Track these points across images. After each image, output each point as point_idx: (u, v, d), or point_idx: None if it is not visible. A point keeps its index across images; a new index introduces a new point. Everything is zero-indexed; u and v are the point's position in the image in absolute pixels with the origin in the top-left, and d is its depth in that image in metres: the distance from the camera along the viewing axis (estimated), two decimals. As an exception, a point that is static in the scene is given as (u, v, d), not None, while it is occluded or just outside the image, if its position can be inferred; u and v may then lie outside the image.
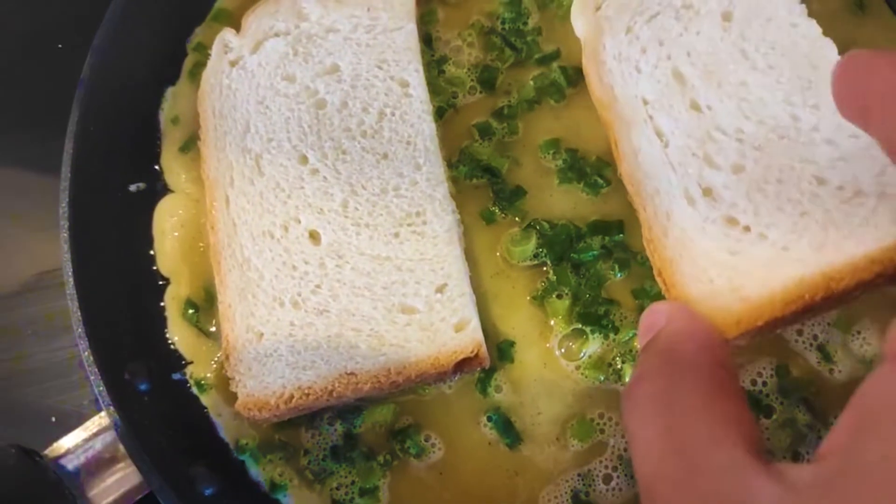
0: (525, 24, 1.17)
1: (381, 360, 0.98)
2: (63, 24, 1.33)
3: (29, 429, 1.12)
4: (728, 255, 0.93)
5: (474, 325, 1.00)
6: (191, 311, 1.08)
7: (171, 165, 1.15)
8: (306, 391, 0.97)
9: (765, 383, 1.01)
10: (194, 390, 1.05)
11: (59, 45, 1.31)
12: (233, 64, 1.13)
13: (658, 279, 0.96)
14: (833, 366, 1.01)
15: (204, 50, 1.18)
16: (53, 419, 1.12)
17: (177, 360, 1.07)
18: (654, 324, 0.74)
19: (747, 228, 0.94)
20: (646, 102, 1.04)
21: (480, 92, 1.15)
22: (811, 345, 1.02)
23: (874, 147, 0.90)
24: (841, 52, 1.11)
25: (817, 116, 0.98)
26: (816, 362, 1.01)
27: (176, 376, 1.06)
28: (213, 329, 1.07)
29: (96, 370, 0.97)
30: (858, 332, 1.02)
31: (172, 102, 1.18)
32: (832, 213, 0.92)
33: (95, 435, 0.98)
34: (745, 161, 0.98)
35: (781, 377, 1.00)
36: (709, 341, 0.71)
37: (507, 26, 1.17)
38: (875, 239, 0.89)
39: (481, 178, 1.10)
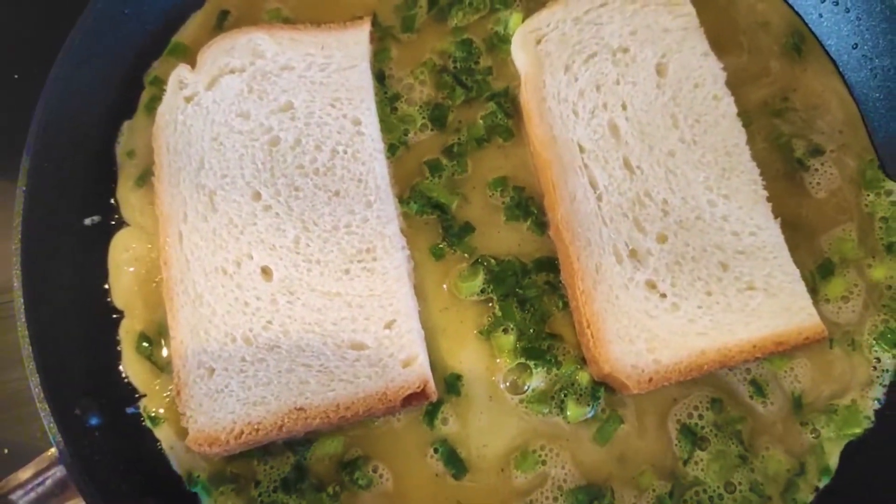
0: (476, 63, 1.20)
1: (330, 396, 1.01)
2: (21, 54, 1.33)
3: (-19, 461, 1.12)
4: (647, 318, 1.02)
5: (422, 360, 1.03)
6: (144, 345, 1.09)
7: (127, 199, 1.16)
8: (256, 427, 1.00)
9: (701, 416, 1.05)
10: (147, 424, 1.07)
11: (16, 76, 1.30)
12: (188, 100, 1.15)
13: (587, 332, 1.02)
14: (765, 399, 1.06)
15: (160, 84, 1.20)
16: (6, 451, 1.13)
17: (130, 394, 1.08)
18: None
19: (664, 296, 1.04)
20: (582, 150, 1.09)
21: (431, 129, 1.18)
22: (744, 379, 1.07)
23: (768, 248, 1.02)
24: (782, 98, 1.17)
25: (728, 207, 1.07)
26: (749, 396, 1.06)
27: (130, 410, 1.07)
28: (166, 362, 1.09)
29: (47, 407, 0.98)
30: (791, 370, 1.07)
31: (128, 136, 1.19)
32: (730, 299, 1.04)
33: (46, 469, 0.99)
34: (668, 233, 1.06)
35: (716, 411, 1.05)
36: None
37: (458, 65, 1.20)
38: (759, 328, 1.02)
39: (431, 215, 1.13)
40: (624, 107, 1.12)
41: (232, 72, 1.16)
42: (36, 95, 1.12)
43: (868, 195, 1.14)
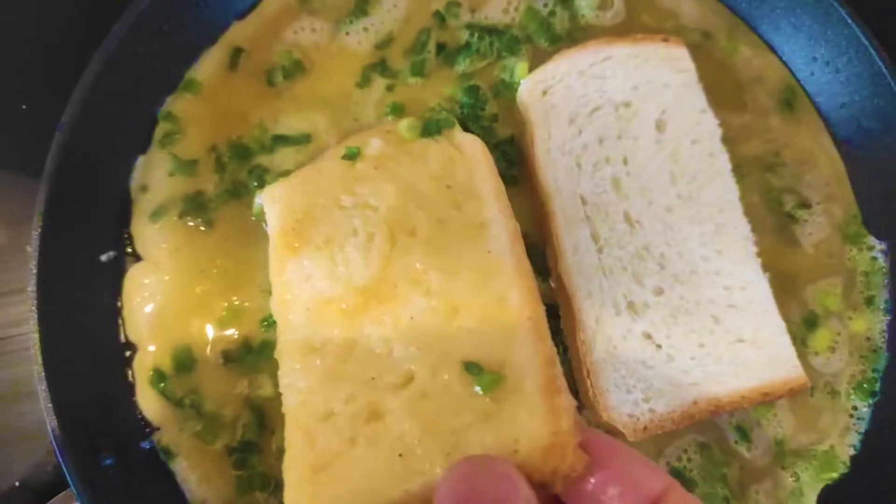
0: (482, 109, 1.24)
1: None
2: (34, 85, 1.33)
3: (-9, 492, 1.15)
4: (644, 368, 1.07)
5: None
6: (158, 379, 1.12)
7: (141, 233, 1.18)
8: None
9: (689, 459, 1.12)
10: (162, 457, 1.10)
11: (24, 107, 1.31)
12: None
13: (587, 381, 1.07)
14: (750, 444, 1.12)
15: (173, 119, 1.22)
16: (17, 483, 1.15)
17: (143, 429, 1.12)
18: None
19: (659, 347, 1.09)
20: (585, 202, 1.14)
21: (439, 174, 1.21)
22: (730, 424, 1.13)
23: (757, 302, 1.07)
24: (774, 154, 1.23)
25: (721, 262, 1.12)
26: (734, 441, 1.12)
27: (144, 445, 1.10)
28: (180, 396, 1.12)
29: (63, 447, 1.01)
30: (774, 416, 1.13)
31: (143, 171, 1.20)
32: (721, 351, 1.09)
33: (65, 506, 1.02)
34: (664, 286, 1.10)
35: (704, 455, 1.11)
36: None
37: (465, 111, 1.23)
38: (747, 380, 1.08)
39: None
40: (625, 161, 1.16)
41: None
42: (43, 127, 1.13)
43: (851, 250, 1.21)
